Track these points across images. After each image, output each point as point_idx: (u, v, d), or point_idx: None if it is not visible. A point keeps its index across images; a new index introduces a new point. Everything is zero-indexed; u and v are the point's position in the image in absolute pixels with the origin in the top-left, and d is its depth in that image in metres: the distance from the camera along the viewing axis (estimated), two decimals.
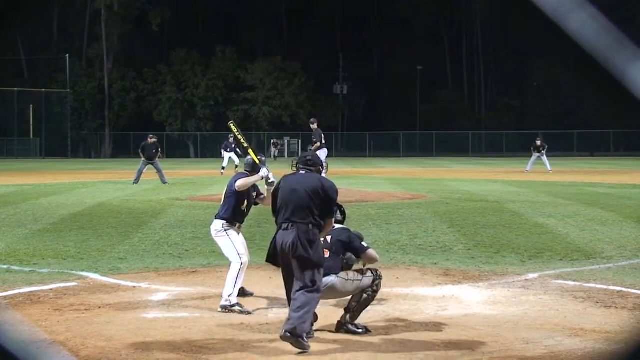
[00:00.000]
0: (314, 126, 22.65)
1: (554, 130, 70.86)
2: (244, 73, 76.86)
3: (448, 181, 30.04)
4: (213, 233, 8.29)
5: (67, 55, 72.17)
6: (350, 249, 6.98)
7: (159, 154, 28.56)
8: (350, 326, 6.85)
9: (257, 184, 8.28)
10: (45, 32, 74.82)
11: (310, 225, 6.43)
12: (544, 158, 36.76)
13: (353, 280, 6.89)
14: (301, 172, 6.79)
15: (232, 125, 9.06)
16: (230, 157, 36.46)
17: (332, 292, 6.88)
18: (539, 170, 35.89)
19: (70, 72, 72.81)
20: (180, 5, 76.52)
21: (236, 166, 35.85)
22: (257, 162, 8.19)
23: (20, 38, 72.12)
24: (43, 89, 71.00)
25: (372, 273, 6.97)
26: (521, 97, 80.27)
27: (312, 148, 21.69)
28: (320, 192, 6.53)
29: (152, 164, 28.00)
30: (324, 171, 21.78)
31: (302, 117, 77.14)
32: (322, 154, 21.45)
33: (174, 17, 78.45)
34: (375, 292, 6.96)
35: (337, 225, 7.21)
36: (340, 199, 6.69)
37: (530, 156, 37.61)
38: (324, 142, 22.39)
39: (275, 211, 6.70)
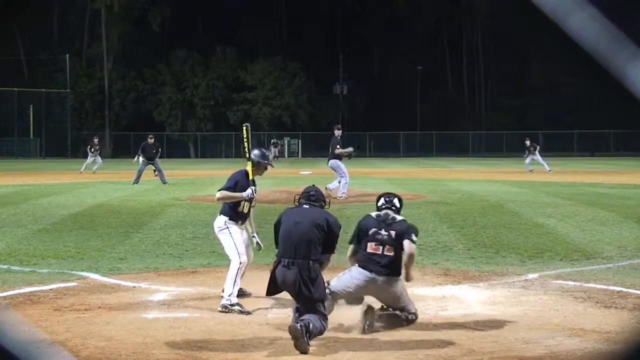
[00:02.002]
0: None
1: (554, 130, 70.81)
2: (244, 73, 76.87)
3: (448, 181, 30.03)
4: (216, 229, 8.32)
5: (67, 55, 72.16)
6: (402, 235, 7.06)
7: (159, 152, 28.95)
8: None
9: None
10: (45, 32, 74.75)
11: (311, 262, 6.45)
12: (539, 158, 36.84)
13: (405, 295, 7.09)
14: (305, 206, 6.80)
15: (245, 130, 8.66)
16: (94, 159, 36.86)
17: (391, 296, 7.03)
18: (539, 170, 35.88)
19: (70, 72, 72.79)
20: (180, 5, 76.46)
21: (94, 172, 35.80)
22: (251, 176, 8.24)
23: (20, 38, 72.04)
24: (43, 89, 70.97)
25: (415, 309, 7.09)
26: (521, 97, 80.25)
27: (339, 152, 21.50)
28: (325, 226, 6.55)
29: (152, 164, 28.15)
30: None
31: (302, 117, 77.18)
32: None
33: (174, 17, 78.42)
34: (410, 322, 7.02)
35: (398, 217, 7.27)
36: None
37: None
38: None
39: (277, 242, 6.73)
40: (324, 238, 6.51)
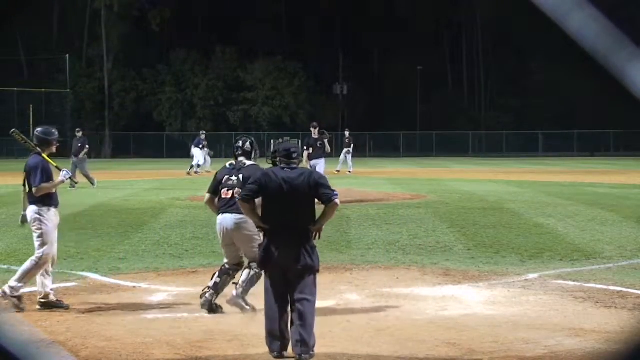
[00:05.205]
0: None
1: (554, 130, 70.77)
2: (244, 73, 76.86)
3: (448, 181, 30.02)
4: (29, 219, 8.05)
5: (67, 55, 72.14)
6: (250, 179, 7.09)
7: (86, 149, 25.94)
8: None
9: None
10: (45, 32, 74.74)
11: (310, 229, 6.28)
12: (349, 156, 36.82)
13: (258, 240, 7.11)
14: (286, 169, 6.34)
15: (15, 134, 8.70)
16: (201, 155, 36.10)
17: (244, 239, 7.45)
18: (539, 170, 35.87)
19: (70, 72, 72.73)
20: (180, 5, 76.46)
21: (198, 165, 35.70)
22: (54, 165, 8.16)
23: (20, 38, 72.03)
24: (43, 89, 70.94)
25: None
26: (521, 97, 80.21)
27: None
28: (315, 188, 6.26)
29: (75, 161, 25.40)
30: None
31: (302, 117, 77.13)
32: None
33: (174, 17, 78.40)
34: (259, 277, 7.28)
35: (248, 162, 7.72)
36: (340, 199, 6.56)
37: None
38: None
39: (248, 198, 6.30)
40: (316, 195, 6.26)
